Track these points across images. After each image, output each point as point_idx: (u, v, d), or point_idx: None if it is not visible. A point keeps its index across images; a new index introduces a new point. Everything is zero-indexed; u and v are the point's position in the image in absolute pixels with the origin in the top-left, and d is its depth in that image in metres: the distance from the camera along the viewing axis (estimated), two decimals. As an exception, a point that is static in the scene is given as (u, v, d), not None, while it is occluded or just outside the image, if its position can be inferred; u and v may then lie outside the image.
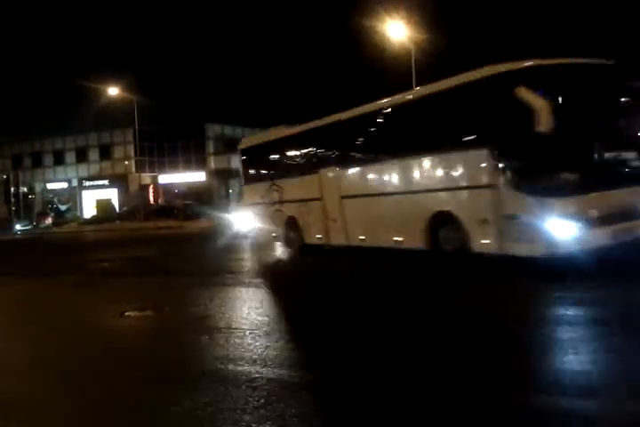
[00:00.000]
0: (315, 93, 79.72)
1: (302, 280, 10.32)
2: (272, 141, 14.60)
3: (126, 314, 7.79)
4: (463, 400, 3.92)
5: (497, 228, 8.29)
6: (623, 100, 8.56)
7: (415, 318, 6.50)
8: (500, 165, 8.15)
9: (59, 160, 59.22)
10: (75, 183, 57.80)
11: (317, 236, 12.87)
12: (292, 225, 13.69)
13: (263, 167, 15.45)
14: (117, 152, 55.99)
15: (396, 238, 10.44)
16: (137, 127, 46.70)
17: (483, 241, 8.59)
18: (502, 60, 9.96)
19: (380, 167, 11.09)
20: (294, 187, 13.68)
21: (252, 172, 16.03)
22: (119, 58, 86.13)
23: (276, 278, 10.87)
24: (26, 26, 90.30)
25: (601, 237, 7.68)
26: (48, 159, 59.84)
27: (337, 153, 12.40)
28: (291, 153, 14.34)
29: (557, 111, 7.32)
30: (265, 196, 14.67)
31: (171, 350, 5.84)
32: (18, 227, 42.90)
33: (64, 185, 58.43)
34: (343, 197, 11.92)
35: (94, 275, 12.66)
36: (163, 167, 54.88)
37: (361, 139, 11.98)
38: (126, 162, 54.52)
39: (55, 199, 56.52)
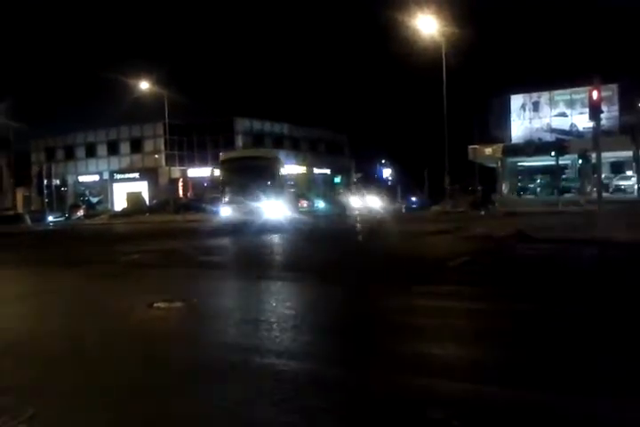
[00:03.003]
0: (344, 87, 79.40)
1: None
2: None
3: (155, 305, 7.86)
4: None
5: None
6: None
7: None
8: None
9: (90, 153, 60.17)
10: (106, 176, 58.70)
11: None
12: None
13: None
14: (148, 146, 56.65)
15: None
16: (167, 121, 47.22)
17: None
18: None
19: None
20: None
21: None
22: (151, 53, 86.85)
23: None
24: (60, 19, 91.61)
25: None
26: (80, 152, 60.82)
27: None
28: None
29: None
30: None
31: (198, 342, 5.89)
32: (50, 218, 43.65)
33: (95, 178, 59.38)
34: None
35: (124, 266, 12.81)
36: (192, 161, 55.37)
37: None
38: (156, 155, 55.15)
39: (87, 192, 57.42)
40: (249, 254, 14.55)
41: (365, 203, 46.46)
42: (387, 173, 71.09)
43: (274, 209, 21.01)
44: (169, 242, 19.03)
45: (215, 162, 51.66)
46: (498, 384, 4.14)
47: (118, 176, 57.84)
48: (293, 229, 20.74)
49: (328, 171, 61.39)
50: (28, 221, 40.67)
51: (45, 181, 47.89)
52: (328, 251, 14.51)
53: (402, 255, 12.81)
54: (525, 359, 4.80)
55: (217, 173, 24.79)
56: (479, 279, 9.04)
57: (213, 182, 33.81)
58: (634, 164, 26.39)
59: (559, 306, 6.80)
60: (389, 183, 66.92)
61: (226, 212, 21.52)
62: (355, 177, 60.52)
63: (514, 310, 6.72)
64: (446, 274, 9.70)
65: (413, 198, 50.80)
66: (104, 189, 58.23)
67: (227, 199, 21.77)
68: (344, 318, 6.65)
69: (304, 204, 35.65)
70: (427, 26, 26.58)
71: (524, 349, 5.14)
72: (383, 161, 70.35)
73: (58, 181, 51.89)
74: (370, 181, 61.56)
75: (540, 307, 6.79)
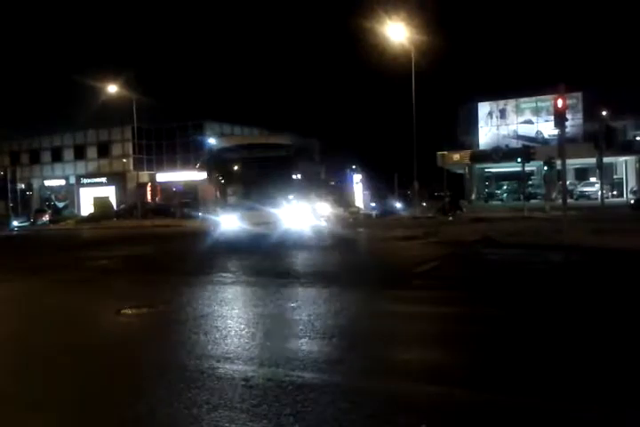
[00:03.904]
0: (314, 93, 79.66)
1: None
2: None
3: (122, 312, 7.78)
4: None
5: None
6: None
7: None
8: None
9: (57, 157, 59.22)
10: (72, 180, 57.81)
11: None
12: None
13: None
14: (115, 150, 55.99)
15: None
16: (135, 125, 46.73)
17: None
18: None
19: None
20: None
21: None
22: (119, 55, 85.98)
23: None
24: (27, 22, 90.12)
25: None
26: (46, 156, 59.81)
27: None
28: None
29: None
30: None
31: (166, 349, 5.85)
32: (15, 223, 42.74)
33: (62, 182, 58.45)
34: None
35: (92, 272, 12.64)
36: (161, 165, 54.85)
37: None
38: (124, 160, 54.55)
39: (53, 196, 56.48)
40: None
41: (333, 208, 46.26)
42: (357, 178, 71.25)
43: (296, 217, 15.91)
44: (136, 247, 18.83)
45: (185, 166, 51.50)
46: (469, 388, 4.21)
47: (85, 181, 57.04)
48: (322, 242, 16.22)
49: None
50: (-8, 226, 39.82)
51: (10, 186, 46.93)
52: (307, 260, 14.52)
53: (375, 261, 12.91)
54: (493, 363, 4.88)
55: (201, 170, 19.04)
56: (448, 284, 9.15)
57: (188, 186, 30.60)
58: (597, 170, 27.02)
59: (527, 311, 6.92)
60: (357, 188, 67.01)
61: (229, 222, 15.95)
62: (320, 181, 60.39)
63: (481, 315, 6.82)
64: (416, 279, 9.79)
65: (373, 204, 50.56)
66: (70, 193, 57.34)
67: (228, 205, 16.37)
68: (315, 323, 6.66)
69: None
70: (396, 33, 26.86)
71: (491, 353, 5.23)
72: (353, 166, 70.49)
73: (23, 186, 50.95)
74: (338, 186, 61.45)
75: (508, 312, 6.90)
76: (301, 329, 6.34)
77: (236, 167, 16.59)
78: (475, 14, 72.29)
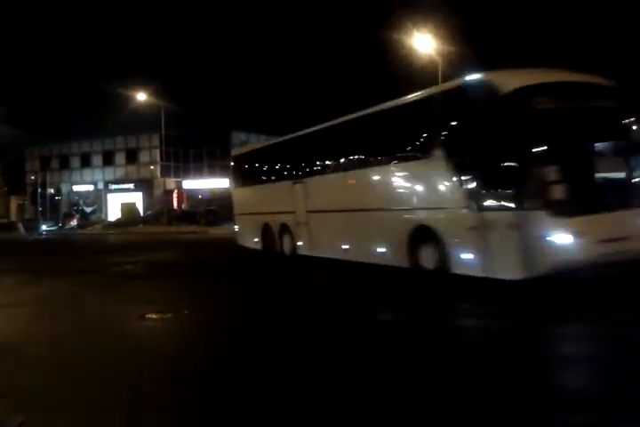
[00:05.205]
0: (342, 104, 79.85)
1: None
2: None
3: (147, 316, 7.89)
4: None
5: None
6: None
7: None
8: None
9: (86, 163, 60.09)
10: (100, 186, 58.57)
11: None
12: None
13: None
14: (143, 156, 56.64)
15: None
16: (163, 133, 47.18)
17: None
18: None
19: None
20: None
21: None
22: (148, 64, 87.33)
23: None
24: (59, 31, 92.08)
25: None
26: (75, 162, 60.72)
27: None
28: None
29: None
30: None
31: (186, 354, 5.91)
32: (44, 227, 43.47)
33: (90, 187, 59.25)
34: None
35: (117, 277, 12.82)
36: (187, 173, 55.34)
37: None
38: (152, 166, 55.12)
39: (81, 201, 57.26)
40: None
41: None
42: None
43: None
44: (161, 253, 18.98)
45: (212, 173, 51.90)
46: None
47: (113, 186, 57.80)
48: None
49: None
50: (22, 229, 40.50)
51: (40, 190, 47.72)
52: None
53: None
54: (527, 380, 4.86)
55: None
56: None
57: (214, 194, 27.77)
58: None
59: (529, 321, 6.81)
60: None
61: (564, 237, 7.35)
62: None
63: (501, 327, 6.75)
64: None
65: None
66: (98, 198, 58.12)
67: (554, 200, 7.34)
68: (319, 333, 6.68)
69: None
70: (424, 45, 26.86)
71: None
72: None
73: (52, 190, 51.73)
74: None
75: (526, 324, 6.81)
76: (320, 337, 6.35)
77: (553, 125, 7.93)
78: (502, 26, 71.86)
